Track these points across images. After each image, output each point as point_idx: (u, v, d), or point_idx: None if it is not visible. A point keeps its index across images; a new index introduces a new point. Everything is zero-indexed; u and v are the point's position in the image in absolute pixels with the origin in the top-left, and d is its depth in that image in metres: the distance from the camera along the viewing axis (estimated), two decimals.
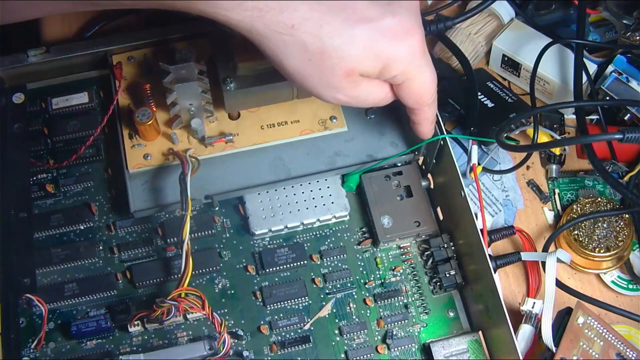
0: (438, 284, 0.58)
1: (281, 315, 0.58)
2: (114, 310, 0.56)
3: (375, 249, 0.61)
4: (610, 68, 0.67)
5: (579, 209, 0.65)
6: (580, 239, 0.63)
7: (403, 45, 0.49)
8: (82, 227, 0.60)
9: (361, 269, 0.60)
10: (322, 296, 0.59)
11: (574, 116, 0.68)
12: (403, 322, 0.58)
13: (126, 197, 0.59)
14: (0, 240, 0.57)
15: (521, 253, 0.61)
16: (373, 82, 0.52)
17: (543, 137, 0.66)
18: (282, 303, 0.58)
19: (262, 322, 0.57)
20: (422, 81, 0.52)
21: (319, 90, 0.51)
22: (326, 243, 0.61)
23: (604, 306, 0.59)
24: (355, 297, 0.59)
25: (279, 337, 0.57)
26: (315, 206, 0.61)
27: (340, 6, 0.48)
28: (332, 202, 0.61)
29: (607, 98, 0.67)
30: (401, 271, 0.60)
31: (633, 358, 0.56)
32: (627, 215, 0.64)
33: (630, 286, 0.63)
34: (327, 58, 0.48)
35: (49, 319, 0.57)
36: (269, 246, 0.60)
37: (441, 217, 0.61)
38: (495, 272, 0.57)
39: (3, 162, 0.60)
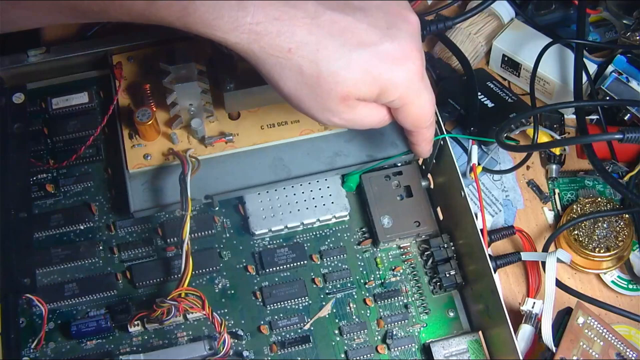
0: (438, 284, 0.58)
1: (281, 315, 0.58)
2: (114, 310, 0.57)
3: (375, 249, 0.61)
4: (610, 68, 0.67)
5: (579, 209, 0.65)
6: (580, 239, 0.63)
7: (401, 70, 0.49)
8: (82, 227, 0.61)
9: (361, 269, 0.60)
10: (322, 296, 0.59)
11: (574, 116, 0.68)
12: (403, 322, 0.58)
13: (126, 197, 0.59)
14: (0, 240, 0.57)
15: (521, 253, 0.61)
16: (370, 105, 0.51)
17: (543, 137, 0.66)
18: (282, 303, 0.58)
19: (262, 322, 0.57)
20: (421, 105, 0.52)
21: (314, 113, 0.50)
22: (326, 243, 0.61)
23: (604, 306, 0.59)
24: (355, 297, 0.59)
25: (279, 337, 0.57)
26: (315, 206, 0.61)
27: (339, 30, 0.47)
28: (332, 202, 0.61)
29: (607, 98, 0.67)
30: (401, 271, 0.60)
31: (633, 358, 0.56)
32: (627, 215, 0.64)
33: (630, 286, 0.64)
34: (324, 82, 0.48)
35: (49, 319, 0.57)
36: (269, 246, 0.60)
37: (441, 217, 0.61)
38: (495, 272, 0.57)
39: (3, 162, 0.60)
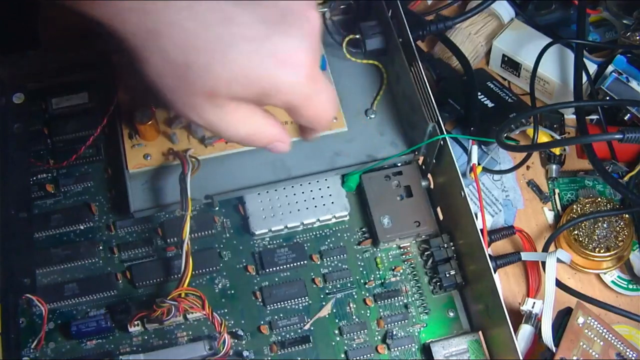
0: (438, 284, 0.58)
1: (281, 315, 0.58)
2: (114, 310, 0.56)
3: (375, 249, 0.61)
4: (610, 68, 0.67)
5: (579, 209, 0.65)
6: (580, 239, 0.63)
7: (286, 74, 0.43)
8: (82, 227, 0.60)
9: (361, 269, 0.60)
10: (322, 296, 0.59)
11: (574, 116, 0.68)
12: (403, 322, 0.58)
13: (126, 197, 0.59)
14: (0, 240, 0.57)
15: (521, 253, 0.61)
16: (243, 110, 0.45)
17: (543, 137, 0.66)
18: (282, 303, 0.58)
19: (262, 322, 0.57)
20: (314, 108, 0.46)
21: (176, 106, 0.45)
22: (326, 243, 0.61)
23: (604, 306, 0.59)
24: (355, 297, 0.59)
25: (279, 337, 0.57)
26: (315, 206, 0.61)
27: (219, 20, 0.42)
28: (332, 202, 0.61)
29: (607, 98, 0.67)
30: (401, 271, 0.60)
31: (633, 358, 0.56)
32: (627, 215, 0.64)
33: (630, 286, 0.64)
34: (190, 74, 0.42)
35: (49, 319, 0.57)
36: (269, 246, 0.60)
37: (441, 217, 0.61)
38: (495, 272, 0.57)
39: (3, 162, 0.60)
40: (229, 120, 0.45)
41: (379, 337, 0.57)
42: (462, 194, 0.56)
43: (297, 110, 0.46)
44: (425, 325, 0.58)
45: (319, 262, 0.60)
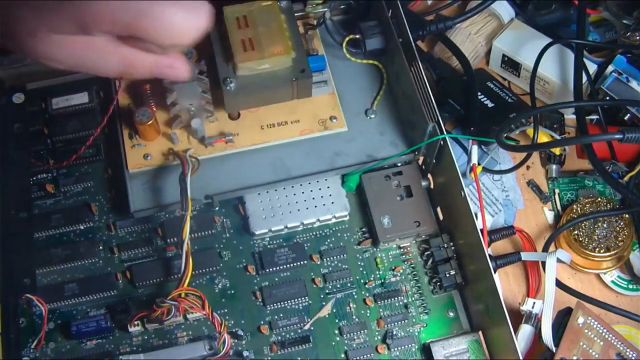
0: (438, 284, 0.58)
1: (281, 315, 0.58)
2: (114, 310, 0.56)
3: (375, 249, 0.61)
4: (610, 68, 0.67)
5: (579, 209, 0.65)
6: (580, 239, 0.63)
7: None
8: (82, 227, 0.60)
9: (361, 269, 0.60)
10: (322, 296, 0.59)
11: (574, 116, 0.68)
12: (403, 322, 0.58)
13: (126, 197, 0.59)
14: (0, 240, 0.57)
15: (521, 253, 0.61)
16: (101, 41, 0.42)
17: (543, 137, 0.66)
18: (282, 303, 0.58)
19: (262, 322, 0.57)
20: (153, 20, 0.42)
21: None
22: (326, 243, 0.61)
23: (604, 306, 0.59)
24: (355, 297, 0.59)
25: (279, 337, 0.57)
26: (315, 206, 0.61)
27: None
28: (332, 202, 0.61)
29: (607, 98, 0.67)
30: (401, 271, 0.60)
31: (633, 358, 0.56)
32: (627, 215, 0.64)
33: (630, 286, 0.64)
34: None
35: (49, 319, 0.57)
36: (269, 246, 0.60)
37: (441, 217, 0.61)
38: (495, 272, 0.57)
39: (3, 162, 0.60)
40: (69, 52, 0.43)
41: (379, 337, 0.57)
42: (462, 194, 0.56)
43: (134, 28, 0.42)
44: (425, 325, 0.58)
45: (319, 262, 0.60)
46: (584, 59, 0.67)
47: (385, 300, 0.58)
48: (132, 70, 0.46)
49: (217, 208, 0.61)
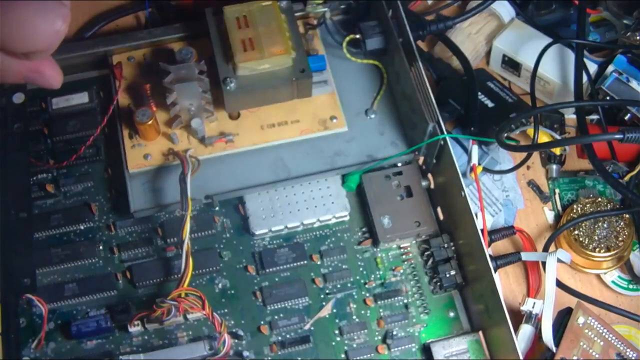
0: (438, 284, 0.58)
1: (281, 315, 0.58)
2: (114, 310, 0.56)
3: (375, 249, 0.61)
4: (610, 68, 0.67)
5: (579, 209, 0.65)
6: (581, 239, 0.63)
7: None
8: (82, 227, 0.60)
9: (361, 269, 0.60)
10: (322, 296, 0.59)
11: (574, 116, 0.68)
12: (403, 322, 0.58)
13: (126, 197, 0.59)
14: (0, 240, 0.57)
15: (521, 253, 0.61)
16: None
17: (543, 137, 0.66)
18: (282, 303, 0.58)
19: (262, 322, 0.57)
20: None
21: None
22: (326, 243, 0.61)
23: (604, 306, 0.59)
24: (356, 297, 0.59)
25: (279, 337, 0.57)
26: (315, 206, 0.60)
27: None
28: (332, 202, 0.61)
29: (607, 98, 0.67)
30: (401, 271, 0.60)
31: (633, 358, 0.56)
32: (627, 215, 0.64)
33: (631, 286, 0.63)
34: None
35: (49, 319, 0.57)
36: (269, 246, 0.60)
37: (441, 217, 0.61)
38: (495, 272, 0.57)
39: (3, 162, 0.60)
40: None
41: (379, 337, 0.57)
42: (462, 194, 0.56)
43: None
44: (425, 325, 0.58)
45: (319, 262, 0.60)
46: (584, 59, 0.67)
47: (386, 300, 0.58)
48: (3, 75, 0.43)
49: (217, 208, 0.61)
